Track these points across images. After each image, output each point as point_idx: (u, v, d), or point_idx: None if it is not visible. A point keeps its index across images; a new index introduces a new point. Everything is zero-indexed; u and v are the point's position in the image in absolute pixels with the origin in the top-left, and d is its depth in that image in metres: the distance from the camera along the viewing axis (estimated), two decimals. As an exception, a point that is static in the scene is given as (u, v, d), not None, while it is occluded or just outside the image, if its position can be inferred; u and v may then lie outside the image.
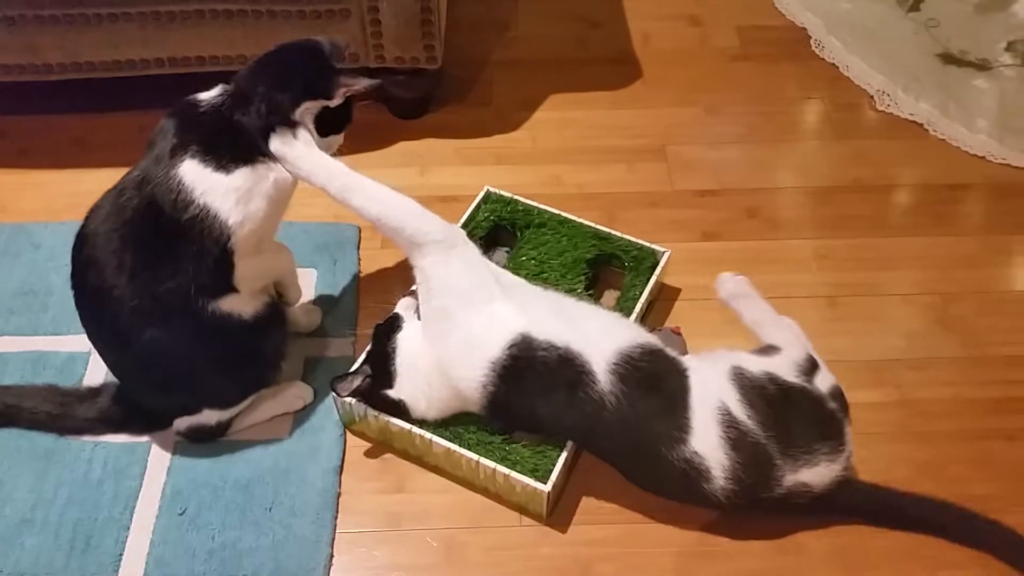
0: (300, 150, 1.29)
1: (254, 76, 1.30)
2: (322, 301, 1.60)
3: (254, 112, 1.26)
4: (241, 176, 1.24)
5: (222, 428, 1.40)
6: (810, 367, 1.34)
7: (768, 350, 1.36)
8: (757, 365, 1.31)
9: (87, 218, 1.28)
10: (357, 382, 1.34)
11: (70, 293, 1.32)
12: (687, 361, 1.33)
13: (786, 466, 1.23)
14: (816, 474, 1.25)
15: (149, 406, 1.39)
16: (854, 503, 1.31)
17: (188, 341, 1.27)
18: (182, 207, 1.22)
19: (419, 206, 1.33)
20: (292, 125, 1.29)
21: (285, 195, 1.32)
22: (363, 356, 1.41)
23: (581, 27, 2.18)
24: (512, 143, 1.92)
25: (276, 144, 1.27)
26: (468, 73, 2.05)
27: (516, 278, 1.46)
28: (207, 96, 1.30)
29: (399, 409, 1.35)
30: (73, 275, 1.29)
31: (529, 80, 2.04)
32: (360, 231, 1.72)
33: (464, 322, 1.31)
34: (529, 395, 1.29)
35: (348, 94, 1.32)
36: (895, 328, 1.58)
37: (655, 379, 1.27)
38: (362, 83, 1.32)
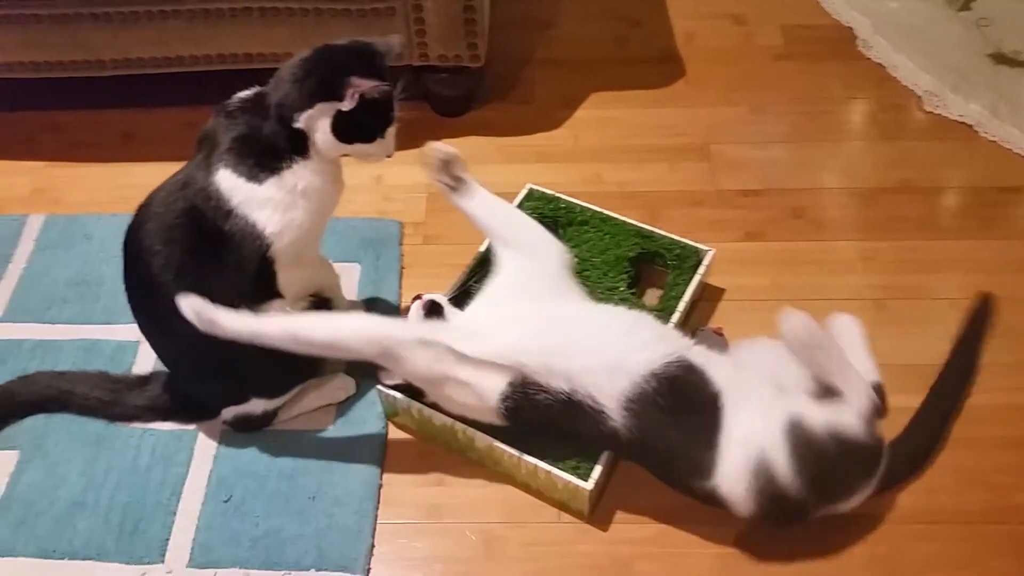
0: (210, 317, 1.16)
1: (277, 79, 1.26)
2: (365, 296, 1.62)
3: (271, 118, 1.24)
4: (272, 186, 1.23)
5: (268, 418, 1.42)
6: (875, 414, 1.21)
7: (830, 393, 1.20)
8: (820, 417, 1.17)
9: (137, 212, 1.29)
10: (398, 379, 1.36)
11: (121, 283, 1.35)
12: (726, 376, 1.22)
13: (819, 506, 1.20)
14: (849, 503, 1.22)
15: (197, 395, 1.41)
16: (896, 477, 1.31)
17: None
18: (222, 216, 1.22)
19: (368, 321, 1.27)
20: (300, 135, 1.24)
21: (321, 203, 1.29)
22: None
23: (623, 26, 2.18)
24: (554, 141, 1.92)
25: (186, 309, 1.16)
26: (510, 71, 2.06)
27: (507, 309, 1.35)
28: (241, 98, 1.28)
29: (438, 408, 1.36)
30: (124, 266, 1.32)
31: (571, 78, 2.04)
32: (402, 227, 1.74)
33: (452, 393, 1.28)
34: (543, 424, 1.27)
35: (356, 95, 1.22)
36: (941, 332, 1.55)
37: (677, 412, 1.19)
38: (367, 84, 1.21)
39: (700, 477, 1.19)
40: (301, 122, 1.23)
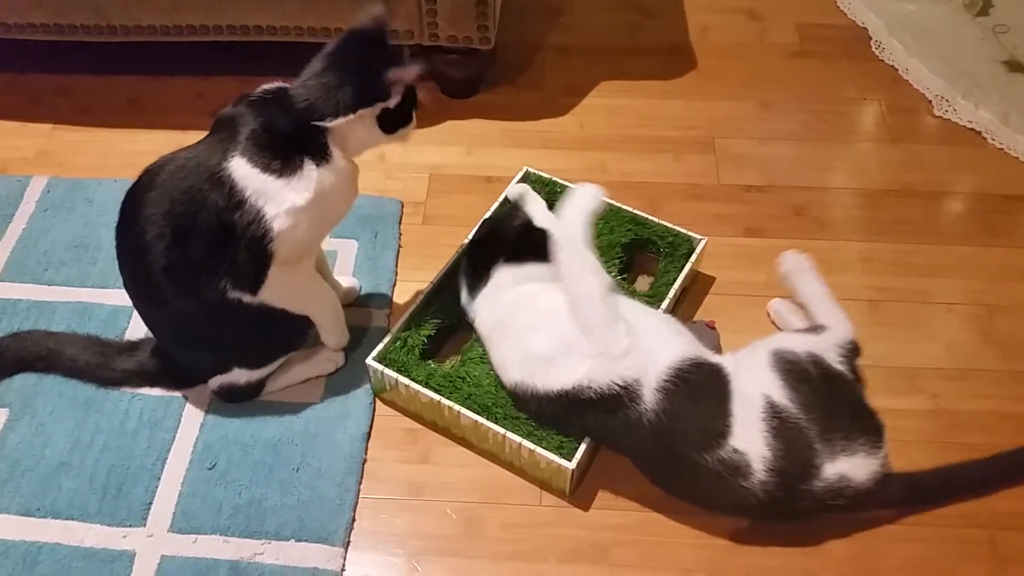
0: (569, 245, 1.33)
1: (305, 85, 1.24)
2: (361, 273, 1.62)
3: (295, 119, 1.22)
4: (290, 181, 1.21)
5: (253, 388, 1.42)
6: (853, 352, 1.37)
7: (814, 329, 1.40)
8: (801, 345, 1.33)
9: (143, 175, 1.27)
10: (415, 71, 1.28)
11: (118, 249, 1.35)
12: (726, 363, 1.31)
13: (824, 451, 1.22)
14: (854, 465, 1.23)
15: (181, 362, 1.42)
16: (894, 497, 1.30)
17: (216, 312, 1.28)
18: (232, 204, 1.20)
19: (606, 312, 1.30)
20: (320, 138, 1.23)
21: (334, 205, 1.28)
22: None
23: (637, 16, 2.17)
24: (560, 127, 1.92)
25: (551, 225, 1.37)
26: (520, 56, 2.06)
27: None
28: (264, 90, 1.26)
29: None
30: (118, 224, 1.30)
31: (581, 66, 2.04)
32: (402, 206, 1.74)
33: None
34: (566, 415, 1.31)
35: (404, 86, 1.25)
36: (936, 336, 1.55)
37: (698, 390, 1.26)
38: (413, 71, 1.24)
39: (716, 446, 1.23)
40: (336, 125, 1.23)
